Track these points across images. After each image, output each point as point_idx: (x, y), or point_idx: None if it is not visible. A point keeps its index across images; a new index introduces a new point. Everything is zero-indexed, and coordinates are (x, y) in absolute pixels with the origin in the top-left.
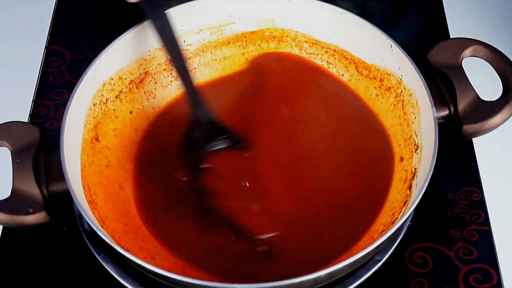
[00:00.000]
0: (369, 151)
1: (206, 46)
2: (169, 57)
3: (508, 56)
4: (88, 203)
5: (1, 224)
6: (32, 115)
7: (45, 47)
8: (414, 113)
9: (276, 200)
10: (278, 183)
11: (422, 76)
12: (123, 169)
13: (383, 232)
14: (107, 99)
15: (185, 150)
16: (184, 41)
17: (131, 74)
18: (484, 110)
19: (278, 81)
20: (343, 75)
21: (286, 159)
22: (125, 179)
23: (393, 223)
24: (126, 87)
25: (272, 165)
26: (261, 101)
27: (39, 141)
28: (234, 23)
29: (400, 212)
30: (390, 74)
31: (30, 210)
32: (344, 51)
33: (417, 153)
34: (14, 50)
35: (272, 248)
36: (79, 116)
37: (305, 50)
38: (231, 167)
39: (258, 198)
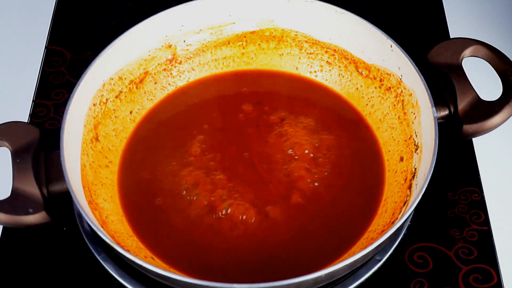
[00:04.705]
0: (361, 151)
1: (206, 46)
2: None
3: (508, 56)
4: (88, 203)
5: (1, 224)
6: (32, 115)
7: (45, 47)
8: (414, 113)
9: (273, 202)
10: (272, 184)
11: (422, 76)
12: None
13: (383, 232)
14: (107, 99)
15: None
16: (184, 41)
17: (131, 74)
18: (484, 110)
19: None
20: (342, 75)
21: (279, 159)
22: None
23: (393, 223)
24: (126, 87)
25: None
26: (252, 104)
27: (39, 141)
28: (234, 23)
29: (400, 212)
30: (390, 74)
31: (30, 210)
32: (344, 51)
33: (417, 153)
34: (14, 50)
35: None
36: (79, 116)
37: (305, 50)
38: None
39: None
